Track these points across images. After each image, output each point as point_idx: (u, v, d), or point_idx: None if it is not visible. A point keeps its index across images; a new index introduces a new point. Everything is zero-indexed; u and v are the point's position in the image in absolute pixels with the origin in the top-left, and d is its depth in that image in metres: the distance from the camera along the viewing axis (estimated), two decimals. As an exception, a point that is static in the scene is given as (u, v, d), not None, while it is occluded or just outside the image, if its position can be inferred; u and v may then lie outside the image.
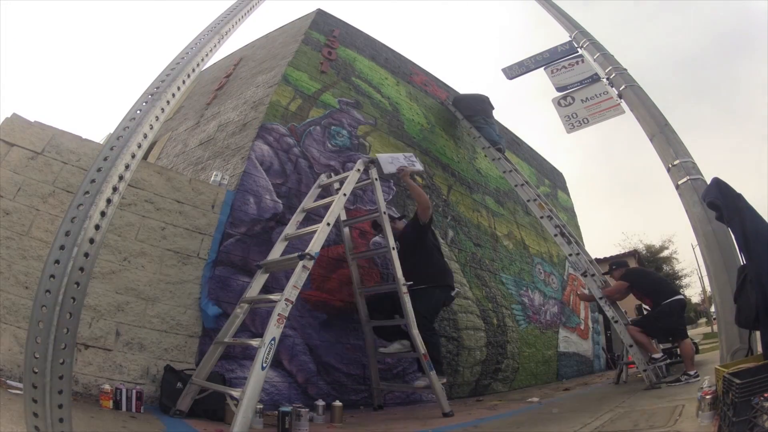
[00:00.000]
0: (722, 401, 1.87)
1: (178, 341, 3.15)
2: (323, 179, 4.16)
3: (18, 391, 2.23)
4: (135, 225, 3.22)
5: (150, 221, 3.30)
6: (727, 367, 2.04)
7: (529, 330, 6.68)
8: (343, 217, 4.22)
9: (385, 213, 3.86)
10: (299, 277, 2.87)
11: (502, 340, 5.97)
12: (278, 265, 3.32)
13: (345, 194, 3.58)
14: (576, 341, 8.02)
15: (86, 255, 1.48)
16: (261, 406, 2.86)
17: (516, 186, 6.15)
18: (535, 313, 7.02)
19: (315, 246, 3.07)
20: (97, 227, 1.52)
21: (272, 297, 2.87)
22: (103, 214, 1.55)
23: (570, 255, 5.45)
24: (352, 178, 3.73)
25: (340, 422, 3.14)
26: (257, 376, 2.42)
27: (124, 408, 2.62)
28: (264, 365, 2.45)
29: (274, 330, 2.58)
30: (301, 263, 2.91)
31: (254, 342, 2.60)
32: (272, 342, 2.54)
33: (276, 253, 3.44)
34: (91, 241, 1.50)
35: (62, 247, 1.45)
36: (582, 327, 8.44)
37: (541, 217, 5.77)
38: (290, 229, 3.63)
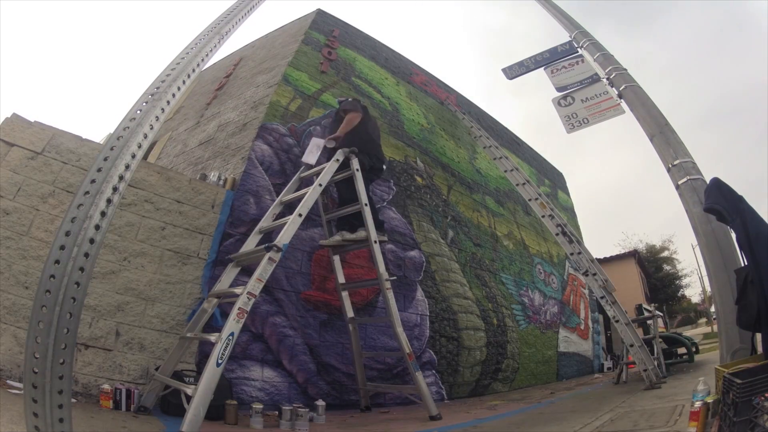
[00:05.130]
0: (723, 401, 1.87)
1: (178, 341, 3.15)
2: (303, 171, 4.05)
3: (18, 391, 2.23)
4: (135, 225, 3.21)
5: (150, 221, 3.30)
6: (728, 367, 2.04)
7: (529, 330, 6.68)
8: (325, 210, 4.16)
9: (366, 205, 3.74)
10: (264, 269, 2.76)
11: (502, 340, 5.97)
12: (248, 258, 3.18)
13: (321, 185, 3.49)
14: (576, 341, 8.02)
15: (86, 255, 1.48)
16: (261, 406, 2.86)
17: (517, 185, 6.16)
18: (535, 313, 7.02)
19: (284, 237, 2.95)
20: (97, 227, 1.52)
21: (236, 291, 2.76)
22: (103, 214, 1.55)
23: (571, 254, 5.48)
24: (330, 168, 3.65)
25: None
26: (211, 372, 2.33)
27: (123, 408, 2.62)
28: (219, 361, 2.37)
29: (233, 325, 2.49)
30: (267, 255, 2.80)
31: (212, 337, 2.52)
32: (230, 337, 2.45)
33: (250, 245, 3.34)
34: (92, 241, 1.50)
35: (62, 247, 1.45)
36: (582, 327, 8.45)
37: (543, 216, 5.78)
38: (265, 221, 3.52)
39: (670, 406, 2.98)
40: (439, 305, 5.19)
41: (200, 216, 3.56)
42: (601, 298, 5.03)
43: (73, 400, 2.40)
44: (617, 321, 4.81)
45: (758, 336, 2.29)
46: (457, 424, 3.19)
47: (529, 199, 6.03)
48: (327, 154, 4.06)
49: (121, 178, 1.65)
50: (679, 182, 3.17)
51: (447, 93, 7.79)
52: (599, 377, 7.16)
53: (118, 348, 2.91)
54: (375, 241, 3.68)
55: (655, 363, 4.66)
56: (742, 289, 2.24)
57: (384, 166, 4.40)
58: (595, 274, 5.16)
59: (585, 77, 4.78)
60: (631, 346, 4.56)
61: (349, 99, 4.47)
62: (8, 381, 2.42)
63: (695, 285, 37.10)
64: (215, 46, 2.48)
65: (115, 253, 3.06)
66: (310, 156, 4.07)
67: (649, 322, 6.57)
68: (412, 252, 5.16)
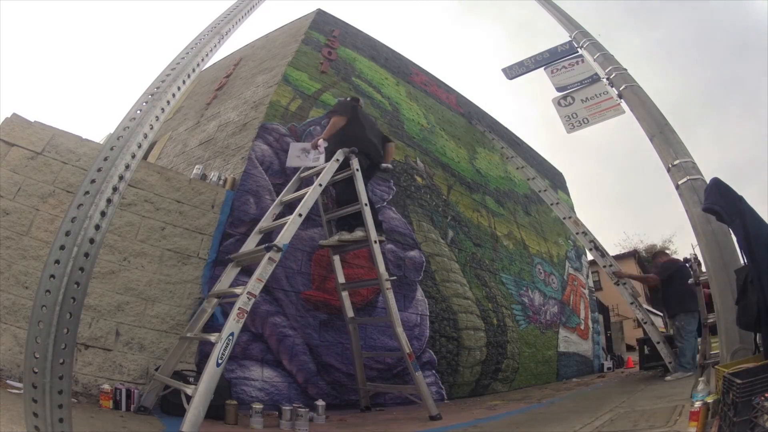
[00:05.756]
0: (723, 401, 1.87)
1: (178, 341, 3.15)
2: (303, 170, 4.02)
3: (18, 391, 2.23)
4: (135, 225, 3.21)
5: (150, 221, 3.30)
6: (728, 367, 2.04)
7: (529, 330, 6.68)
8: (326, 209, 4.17)
9: (366, 205, 3.72)
10: (264, 269, 2.76)
11: (502, 340, 5.97)
12: (248, 258, 3.18)
13: (321, 185, 3.49)
14: (576, 341, 8.02)
15: (86, 255, 1.48)
16: (261, 406, 2.86)
17: (552, 204, 6.87)
18: (535, 313, 7.02)
19: (284, 237, 2.95)
20: (97, 227, 1.52)
21: (236, 290, 2.77)
22: (103, 214, 1.55)
23: (603, 266, 6.11)
24: (330, 168, 3.65)
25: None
26: (211, 372, 2.32)
27: (123, 408, 2.62)
28: (219, 362, 2.37)
29: (233, 325, 2.50)
30: (267, 255, 2.80)
31: (212, 337, 2.51)
32: (230, 337, 2.46)
33: (250, 245, 3.34)
34: (92, 241, 1.50)
35: (62, 247, 1.45)
36: (582, 327, 8.44)
37: (577, 233, 6.51)
38: (265, 221, 3.52)
39: (670, 406, 2.98)
40: (439, 305, 5.19)
41: (200, 216, 3.56)
42: (631, 303, 5.66)
43: (73, 400, 2.40)
44: (645, 322, 5.50)
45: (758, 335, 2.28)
46: (457, 424, 3.19)
47: (564, 218, 6.73)
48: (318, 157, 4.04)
49: (121, 178, 1.65)
50: (679, 182, 3.17)
51: (447, 93, 7.79)
52: (607, 374, 7.22)
53: (118, 348, 2.91)
54: (375, 241, 3.68)
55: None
56: (742, 289, 2.24)
57: (382, 165, 4.40)
58: (624, 284, 5.84)
59: (585, 77, 4.79)
60: (658, 343, 5.24)
61: (340, 100, 4.44)
62: (8, 381, 2.42)
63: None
64: (215, 46, 2.48)
65: (115, 253, 3.06)
66: (297, 160, 4.03)
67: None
68: (412, 252, 5.16)
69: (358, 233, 3.81)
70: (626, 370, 7.92)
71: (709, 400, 2.12)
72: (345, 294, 3.99)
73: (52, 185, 2.96)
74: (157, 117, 1.90)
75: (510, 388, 5.84)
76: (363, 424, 3.26)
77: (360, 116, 4.27)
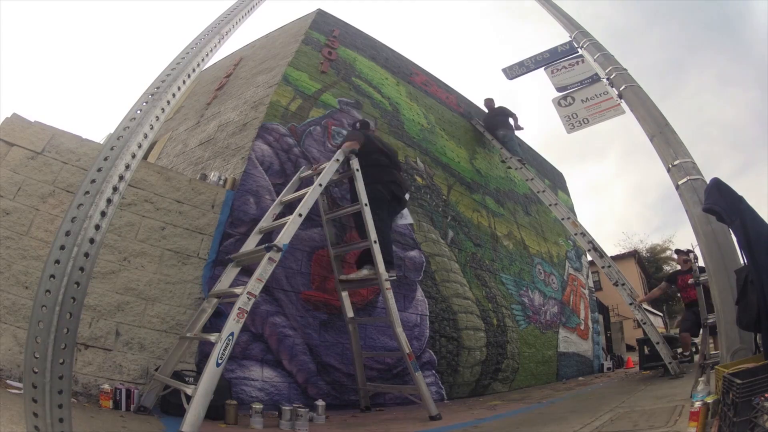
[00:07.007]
0: (723, 401, 1.87)
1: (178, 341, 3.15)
2: (303, 171, 4.05)
3: (18, 391, 2.23)
4: (135, 225, 3.22)
5: (150, 221, 3.30)
6: (728, 367, 2.04)
7: (529, 330, 6.68)
8: (326, 209, 4.18)
9: (366, 205, 3.72)
10: (264, 269, 2.77)
11: (502, 340, 5.97)
12: (248, 258, 3.19)
13: (321, 184, 3.50)
14: (576, 341, 8.02)
15: (86, 255, 1.48)
16: (261, 406, 2.86)
17: (550, 205, 6.77)
18: (535, 313, 7.02)
19: (284, 237, 2.96)
20: (97, 227, 1.52)
21: (236, 290, 2.77)
22: (103, 214, 1.55)
23: (602, 267, 6.06)
24: (330, 168, 3.65)
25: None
26: (211, 372, 2.33)
27: (123, 408, 2.62)
28: (219, 362, 2.37)
29: (233, 325, 2.50)
30: (267, 255, 2.81)
31: (212, 337, 2.52)
32: (230, 337, 2.46)
33: (250, 245, 3.35)
34: (92, 241, 1.50)
35: (62, 247, 1.45)
36: (582, 327, 8.45)
37: (575, 234, 6.40)
38: (266, 221, 3.53)
39: (670, 406, 2.98)
40: (439, 305, 5.19)
41: (200, 216, 3.56)
42: (630, 304, 5.67)
43: (73, 400, 2.40)
44: (644, 323, 5.49)
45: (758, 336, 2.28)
46: (457, 424, 3.19)
47: (562, 219, 6.61)
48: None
49: (121, 178, 1.65)
50: (679, 182, 3.16)
51: (447, 93, 7.79)
52: (607, 374, 7.21)
53: (118, 348, 2.91)
54: (375, 242, 3.68)
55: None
56: (742, 290, 2.24)
57: (407, 196, 4.38)
58: (624, 284, 5.81)
59: (585, 77, 4.79)
60: (657, 343, 5.25)
61: (353, 127, 4.52)
62: (8, 381, 2.43)
63: (695, 285, 36.96)
64: (215, 46, 2.48)
65: (115, 253, 3.06)
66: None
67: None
68: (412, 252, 5.16)
69: (363, 272, 3.77)
70: (627, 371, 7.92)
71: (709, 400, 2.12)
72: (345, 294, 3.99)
73: (52, 185, 2.97)
74: (157, 117, 1.90)
75: (510, 388, 5.84)
76: (363, 424, 3.26)
77: (375, 143, 4.24)
